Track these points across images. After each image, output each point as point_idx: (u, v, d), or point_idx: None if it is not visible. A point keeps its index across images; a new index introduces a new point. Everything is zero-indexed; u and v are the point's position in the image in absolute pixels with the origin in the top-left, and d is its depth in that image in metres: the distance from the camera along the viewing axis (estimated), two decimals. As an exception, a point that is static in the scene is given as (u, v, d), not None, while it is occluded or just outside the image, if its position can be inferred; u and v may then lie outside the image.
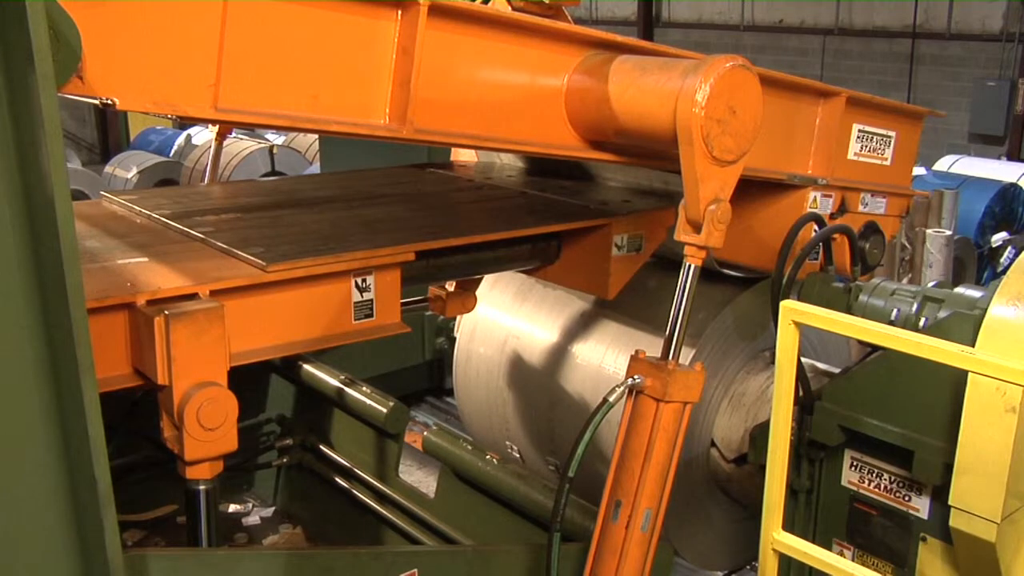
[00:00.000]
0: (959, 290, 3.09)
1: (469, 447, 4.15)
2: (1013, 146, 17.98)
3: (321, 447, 4.79)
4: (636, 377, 2.85)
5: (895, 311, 3.17)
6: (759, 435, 3.31)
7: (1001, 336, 2.56)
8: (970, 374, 2.46)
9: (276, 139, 15.77)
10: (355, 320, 2.95)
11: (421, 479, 5.12)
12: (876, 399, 2.95)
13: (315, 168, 12.21)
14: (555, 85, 3.02)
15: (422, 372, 8.67)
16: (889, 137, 3.95)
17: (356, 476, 4.58)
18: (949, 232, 8.03)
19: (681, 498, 3.40)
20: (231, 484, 4.85)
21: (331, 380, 4.66)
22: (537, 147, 3.18)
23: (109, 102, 2.21)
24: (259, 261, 2.72)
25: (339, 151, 9.06)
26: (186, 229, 3.11)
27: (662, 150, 2.88)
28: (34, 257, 1.70)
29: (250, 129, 13.89)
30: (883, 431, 2.92)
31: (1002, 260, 11.78)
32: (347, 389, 4.61)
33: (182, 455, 2.51)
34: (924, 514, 2.94)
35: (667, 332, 2.89)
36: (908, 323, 3.11)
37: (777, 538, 2.86)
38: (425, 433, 4.33)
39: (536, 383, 4.18)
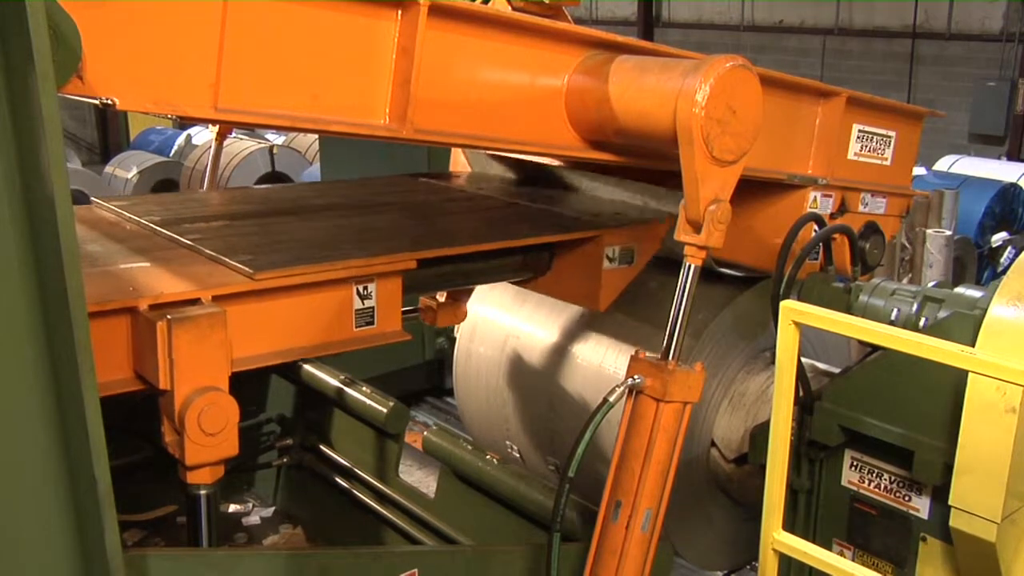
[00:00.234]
0: (959, 290, 3.09)
1: (469, 447, 4.15)
2: (1013, 146, 17.99)
3: (321, 447, 4.79)
4: (636, 377, 2.85)
5: (895, 311, 3.17)
6: (759, 435, 3.31)
7: (1001, 336, 2.56)
8: (970, 374, 2.46)
9: (276, 139, 15.77)
10: (356, 327, 2.95)
11: (421, 479, 5.11)
12: (876, 399, 2.95)
13: (315, 168, 12.21)
14: (555, 85, 3.02)
15: (422, 372, 8.69)
16: (889, 137, 3.95)
17: (356, 476, 4.58)
18: (949, 232, 8.03)
19: (681, 498, 3.40)
20: (231, 484, 4.84)
21: (331, 380, 4.66)
22: (537, 147, 3.18)
23: (109, 102, 2.21)
24: (246, 269, 2.71)
25: (339, 151, 9.06)
26: (175, 236, 3.10)
27: (662, 150, 2.88)
28: (34, 257, 1.70)
29: (250, 129, 13.89)
30: (883, 431, 2.92)
31: (1002, 260, 11.78)
32: (347, 389, 4.61)
33: (183, 460, 2.51)
34: (924, 514, 2.94)
35: (667, 332, 2.89)
36: (908, 323, 3.11)
37: (777, 538, 2.86)
38: (425, 433, 4.33)
39: (536, 383, 4.18)
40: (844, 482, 3.14)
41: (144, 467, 4.23)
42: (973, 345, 2.57)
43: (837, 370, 3.54)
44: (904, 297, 3.19)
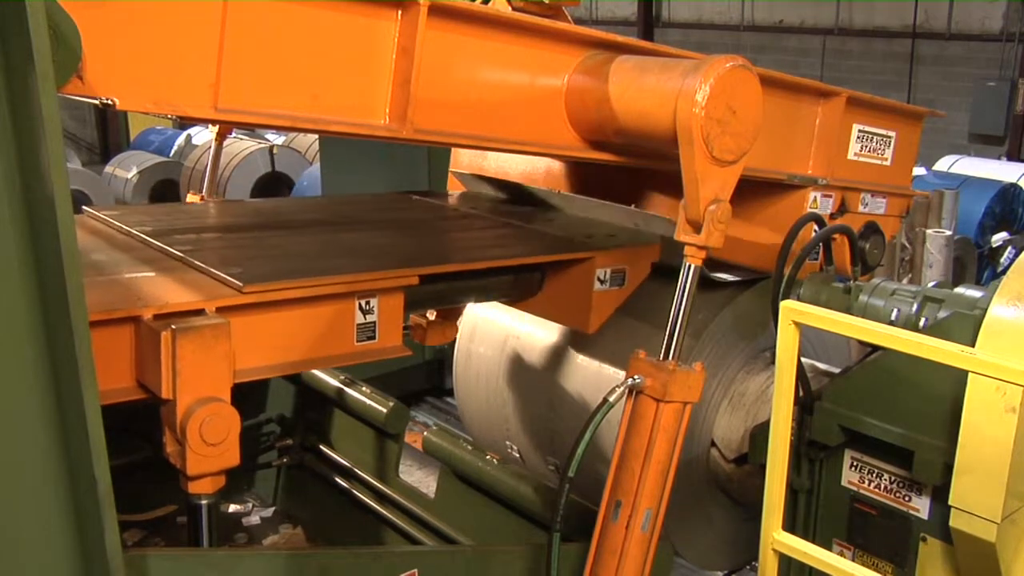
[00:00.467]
0: (959, 290, 3.09)
1: (469, 447, 4.15)
2: (1013, 146, 17.99)
3: (321, 447, 4.79)
4: (636, 377, 2.85)
5: (895, 311, 3.17)
6: (759, 435, 3.31)
7: (1001, 336, 2.56)
8: (970, 374, 2.46)
9: (276, 139, 15.77)
10: (357, 341, 2.96)
11: (421, 479, 5.11)
12: (876, 399, 2.95)
13: (315, 168, 12.21)
14: (555, 85, 3.02)
15: (422, 372, 8.68)
16: (889, 137, 3.95)
17: (356, 476, 4.58)
18: (949, 232, 8.02)
19: (681, 498, 3.40)
20: (231, 484, 4.83)
21: (331, 380, 4.67)
22: (537, 147, 3.18)
23: (109, 102, 2.21)
24: (236, 281, 2.70)
25: (339, 151, 9.06)
26: (165, 247, 3.11)
27: (662, 150, 2.88)
28: (34, 257, 1.70)
29: (250, 129, 13.89)
30: (883, 431, 2.92)
31: (1002, 260, 11.77)
32: (347, 389, 4.61)
33: (185, 470, 2.51)
34: (924, 514, 2.94)
35: (667, 332, 2.89)
36: (908, 323, 3.11)
37: (777, 538, 2.86)
38: (425, 433, 4.33)
39: (536, 383, 4.17)
40: (844, 482, 3.14)
41: (144, 467, 4.23)
42: (973, 345, 2.56)
43: (837, 370, 3.54)
44: (904, 297, 3.18)
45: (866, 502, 3.09)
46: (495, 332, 4.36)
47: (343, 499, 4.61)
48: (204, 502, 2.64)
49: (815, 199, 3.70)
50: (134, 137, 19.63)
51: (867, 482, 3.08)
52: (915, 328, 3.05)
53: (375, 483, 4.50)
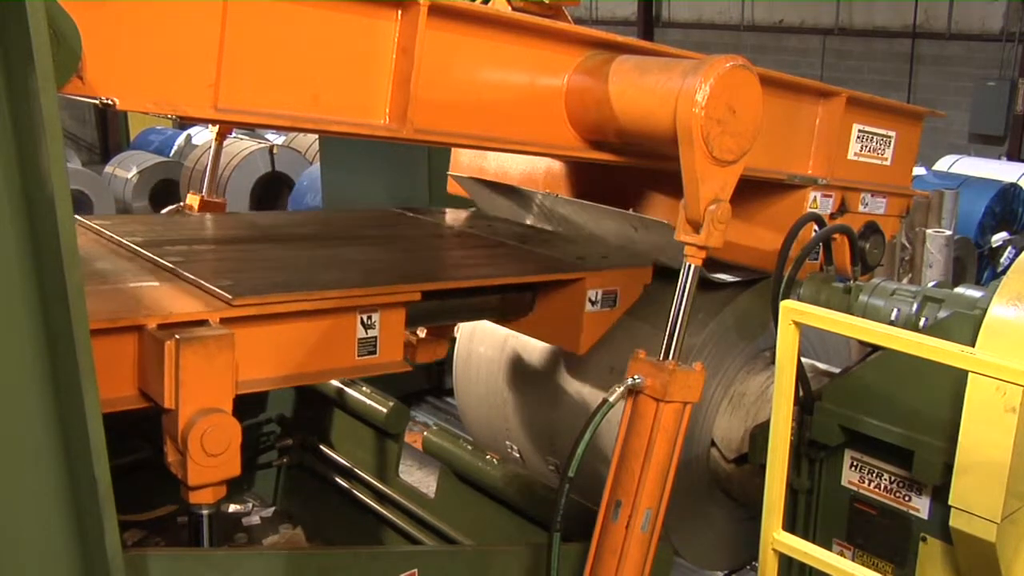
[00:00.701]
0: (959, 290, 3.09)
1: (469, 447, 4.15)
2: (1013, 146, 17.98)
3: (321, 447, 4.79)
4: (636, 377, 2.85)
5: (895, 311, 3.17)
6: (759, 435, 3.31)
7: (1001, 336, 2.56)
8: (970, 374, 2.46)
9: (276, 139, 15.75)
10: (358, 356, 2.96)
11: (421, 479, 5.12)
12: (876, 399, 2.95)
13: (315, 168, 12.19)
14: (555, 85, 3.02)
15: (422, 372, 8.67)
16: (889, 137, 3.95)
17: (356, 476, 4.58)
18: (949, 232, 8.02)
19: (681, 498, 3.40)
20: (231, 484, 4.83)
21: (331, 380, 4.67)
22: (537, 147, 3.18)
23: (109, 102, 2.21)
24: (225, 294, 2.70)
25: (339, 151, 9.05)
26: (156, 258, 3.11)
27: (662, 150, 2.88)
28: (34, 257, 1.70)
29: (250, 129, 13.88)
30: (883, 431, 2.92)
31: (1002, 260, 11.76)
32: (347, 389, 4.62)
33: (186, 480, 2.52)
34: (924, 514, 2.94)
35: (667, 332, 2.89)
36: (908, 323, 3.10)
37: (777, 538, 2.86)
38: (425, 433, 4.33)
39: (536, 383, 4.17)
40: (844, 482, 3.14)
41: (144, 467, 4.23)
42: (973, 345, 2.57)
43: (837, 370, 3.54)
44: (904, 297, 3.18)
45: (866, 502, 3.09)
46: (495, 332, 4.36)
47: (343, 499, 4.61)
48: (205, 512, 2.64)
49: (815, 199, 3.70)
50: (134, 137, 19.61)
51: (867, 482, 3.08)
52: (915, 328, 3.05)
53: (375, 483, 4.50)
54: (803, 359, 3.06)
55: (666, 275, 3.65)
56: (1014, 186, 12.47)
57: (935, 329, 2.86)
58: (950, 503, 2.59)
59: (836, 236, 3.58)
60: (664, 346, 2.88)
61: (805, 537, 3.09)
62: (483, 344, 4.47)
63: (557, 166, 4.19)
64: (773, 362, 2.94)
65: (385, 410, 4.47)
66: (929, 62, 19.45)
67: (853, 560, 3.11)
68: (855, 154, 3.81)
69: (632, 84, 2.89)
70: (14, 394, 1.73)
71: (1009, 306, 2.59)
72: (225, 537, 4.50)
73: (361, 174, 8.68)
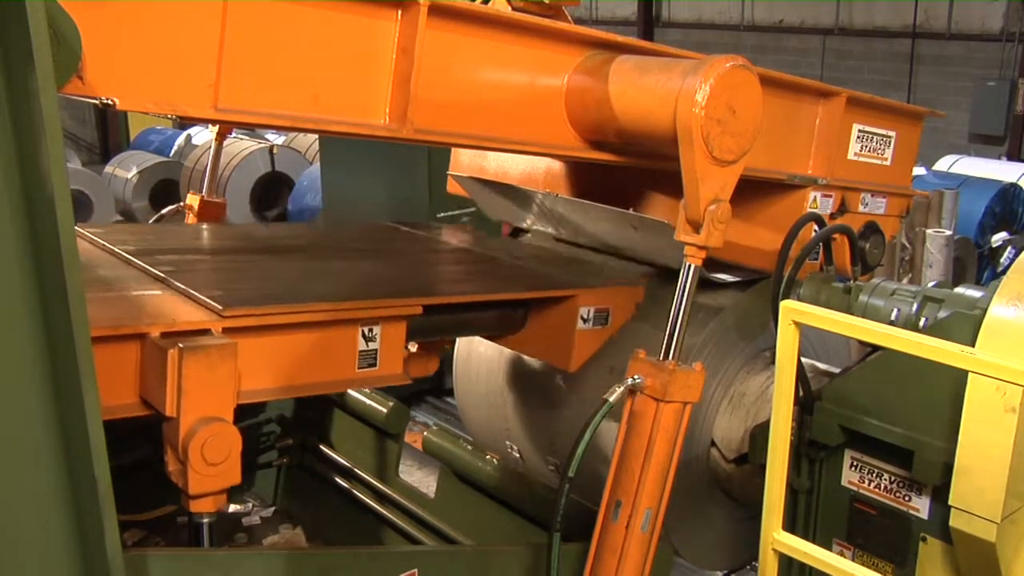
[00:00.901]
0: (959, 290, 3.09)
1: (469, 447, 4.15)
2: (1013, 146, 17.97)
3: (321, 447, 4.79)
4: (636, 377, 2.85)
5: (895, 311, 3.16)
6: (759, 435, 3.30)
7: (1001, 336, 2.56)
8: (970, 374, 2.46)
9: (276, 139, 15.74)
10: (358, 368, 2.97)
11: (421, 479, 5.12)
12: (876, 399, 2.95)
13: (315, 168, 12.19)
14: (555, 85, 3.02)
15: (422, 372, 8.65)
16: (889, 137, 3.95)
17: (356, 476, 4.58)
18: (949, 232, 8.01)
19: (681, 498, 3.40)
20: (231, 484, 4.85)
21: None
22: (537, 147, 3.18)
23: (109, 102, 2.21)
24: (215, 305, 2.71)
25: (339, 151, 9.05)
26: (147, 267, 3.11)
27: (662, 150, 2.88)
28: (34, 257, 1.70)
29: (250, 129, 13.88)
30: (883, 431, 2.92)
31: (1002, 260, 11.75)
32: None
33: (186, 489, 2.52)
34: (924, 514, 2.94)
35: (667, 332, 2.89)
36: (908, 323, 3.10)
37: (777, 538, 2.86)
38: (425, 433, 4.33)
39: (536, 383, 4.17)
40: (844, 482, 3.14)
41: (144, 467, 4.23)
42: (973, 345, 2.56)
43: (837, 370, 3.53)
44: (904, 297, 3.18)
45: (866, 502, 3.09)
46: (495, 332, 4.36)
47: (343, 499, 4.61)
48: (206, 520, 2.65)
49: (815, 199, 3.70)
50: (134, 137, 19.59)
51: (867, 482, 3.08)
52: (915, 328, 3.04)
53: (375, 483, 4.50)
54: (803, 359, 3.05)
55: (666, 275, 3.65)
56: (1014, 186, 12.46)
57: (935, 329, 2.85)
58: (950, 503, 2.59)
59: (836, 236, 3.58)
60: (664, 346, 2.88)
61: (805, 537, 3.09)
62: (483, 344, 4.46)
63: (557, 166, 4.19)
64: (773, 362, 2.94)
65: (385, 410, 4.47)
66: (929, 62, 19.44)
67: (853, 560, 3.11)
68: (855, 154, 3.81)
69: (632, 84, 2.89)
70: (14, 394, 1.73)
71: (1009, 306, 2.59)
72: (225, 537, 4.49)
73: (361, 174, 8.68)
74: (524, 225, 4.39)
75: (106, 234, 3.54)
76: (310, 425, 4.87)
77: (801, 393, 3.07)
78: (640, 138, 2.98)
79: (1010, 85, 17.95)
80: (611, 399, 2.84)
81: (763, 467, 2.89)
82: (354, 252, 3.91)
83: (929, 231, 7.88)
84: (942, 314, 3.01)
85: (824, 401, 3.09)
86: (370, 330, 2.96)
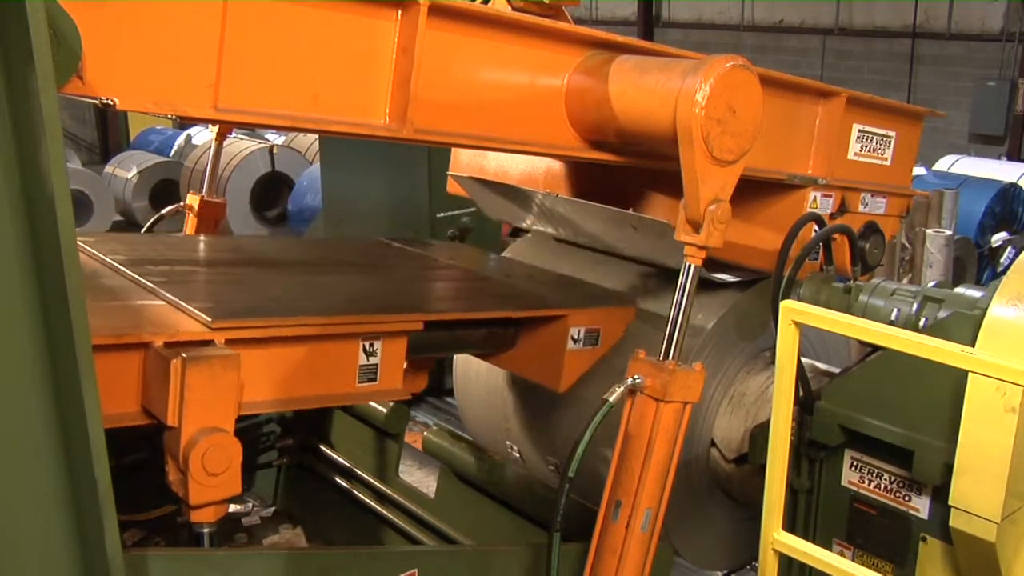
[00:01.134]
0: (959, 290, 3.09)
1: (469, 447, 4.15)
2: (1013, 146, 17.96)
3: (321, 447, 4.79)
4: (636, 377, 2.85)
5: (895, 311, 3.16)
6: (759, 435, 3.31)
7: (1001, 336, 2.56)
8: (970, 374, 2.46)
9: (276, 139, 15.74)
10: (359, 383, 2.98)
11: (421, 479, 5.12)
12: (876, 399, 2.95)
13: (315, 168, 12.19)
14: (555, 85, 3.02)
15: (422, 372, 8.65)
16: (889, 137, 3.95)
17: (356, 476, 4.58)
18: (949, 232, 8.01)
19: (681, 498, 3.40)
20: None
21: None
22: (537, 147, 3.18)
23: (109, 102, 2.21)
24: (204, 316, 2.71)
25: (339, 151, 9.05)
26: (137, 276, 3.11)
27: (662, 150, 2.88)
28: (34, 257, 1.70)
29: (250, 129, 13.87)
30: (883, 431, 2.92)
31: (1002, 260, 11.75)
32: (347, 389, 4.61)
33: (187, 499, 2.53)
34: (924, 514, 2.94)
35: (667, 332, 2.89)
36: (908, 323, 3.10)
37: (777, 538, 2.86)
38: (425, 433, 4.33)
39: (536, 383, 4.17)
40: (844, 482, 3.14)
41: (144, 467, 4.23)
42: (973, 345, 2.56)
43: (837, 370, 3.53)
44: (904, 297, 3.18)
45: (866, 502, 3.09)
46: (495, 332, 4.36)
47: (343, 499, 4.61)
48: (206, 530, 2.65)
49: (815, 199, 3.69)
50: (134, 137, 19.58)
51: (867, 482, 3.08)
52: (915, 328, 3.04)
53: (375, 483, 4.50)
54: (803, 359, 3.05)
55: (669, 276, 3.65)
56: (1014, 186, 12.46)
57: (935, 329, 2.85)
58: (950, 503, 2.59)
59: (836, 236, 3.58)
60: (664, 346, 2.88)
61: (805, 537, 3.09)
62: (483, 344, 4.47)
63: (557, 166, 4.19)
64: (773, 362, 2.94)
65: (385, 410, 4.47)
66: (929, 62, 19.44)
67: (853, 560, 3.11)
68: (855, 154, 3.81)
69: (632, 84, 2.89)
70: (14, 394, 1.73)
71: (1009, 306, 2.59)
72: (225, 537, 4.50)
73: (361, 174, 8.67)
74: (524, 225, 4.39)
75: (97, 243, 3.54)
76: (310, 425, 4.87)
77: (801, 393, 3.07)
78: (640, 138, 2.98)
79: (1010, 85, 17.94)
80: (611, 399, 2.84)
81: (763, 467, 2.89)
82: (347, 267, 3.92)
83: (929, 231, 7.88)
84: (942, 314, 3.01)
85: (824, 401, 3.09)
86: (371, 345, 2.97)
